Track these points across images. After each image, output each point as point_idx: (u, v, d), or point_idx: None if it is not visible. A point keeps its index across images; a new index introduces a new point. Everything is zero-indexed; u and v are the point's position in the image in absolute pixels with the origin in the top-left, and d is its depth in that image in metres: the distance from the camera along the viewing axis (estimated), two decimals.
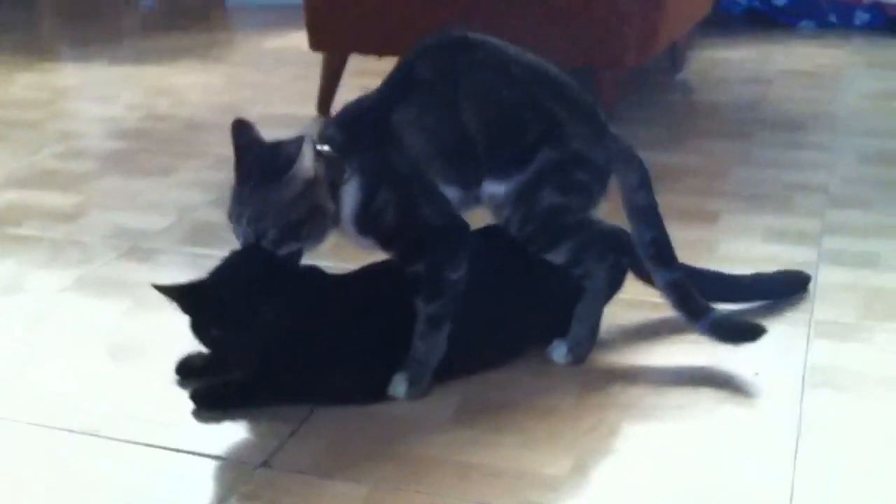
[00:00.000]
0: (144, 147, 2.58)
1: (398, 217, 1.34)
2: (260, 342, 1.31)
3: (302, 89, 2.99)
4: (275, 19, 4.21)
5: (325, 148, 1.32)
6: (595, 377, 1.42)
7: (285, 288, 1.32)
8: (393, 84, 1.38)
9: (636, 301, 1.57)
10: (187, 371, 1.44)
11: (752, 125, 2.67)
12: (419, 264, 1.35)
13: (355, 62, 2.80)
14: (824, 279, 1.70)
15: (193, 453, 1.26)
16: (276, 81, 3.29)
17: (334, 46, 2.76)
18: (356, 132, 1.35)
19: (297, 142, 1.29)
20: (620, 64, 2.51)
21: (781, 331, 1.51)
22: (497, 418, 1.33)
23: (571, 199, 1.39)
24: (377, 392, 1.37)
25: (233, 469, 1.23)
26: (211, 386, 1.39)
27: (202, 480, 1.22)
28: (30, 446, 1.29)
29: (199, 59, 3.58)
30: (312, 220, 1.30)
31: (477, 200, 1.39)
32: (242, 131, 1.36)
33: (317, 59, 2.81)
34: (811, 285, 1.66)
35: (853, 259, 1.78)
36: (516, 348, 1.47)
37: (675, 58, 3.22)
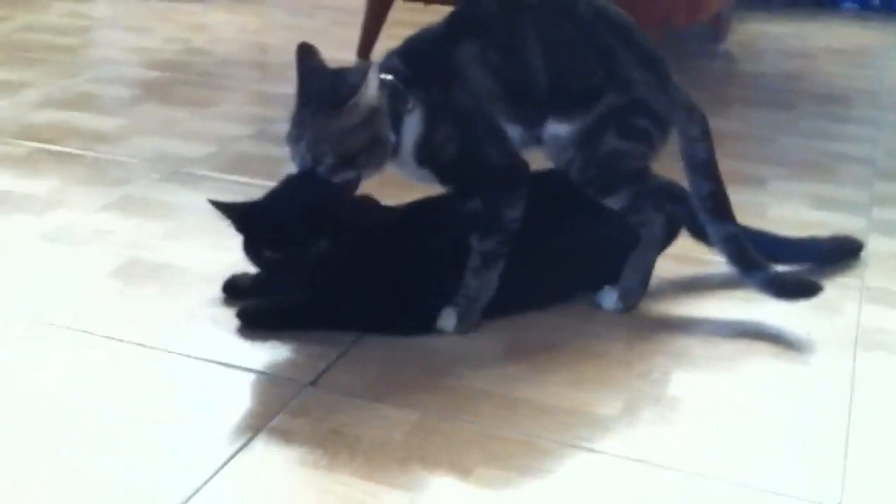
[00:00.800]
0: (182, 79, 2.56)
1: (459, 153, 1.32)
2: (311, 265, 1.30)
3: (341, 35, 2.96)
4: None
5: (389, 77, 1.30)
6: (645, 326, 1.41)
7: (339, 214, 1.30)
8: (457, 18, 1.35)
9: (686, 256, 1.55)
10: (234, 291, 1.43)
11: (794, 96, 2.65)
12: (476, 201, 1.34)
13: (397, 11, 2.77)
14: (874, 247, 1.68)
15: (242, 368, 1.26)
16: (315, 25, 3.26)
17: None
18: (420, 64, 1.33)
19: (362, 69, 1.26)
20: (669, 23, 2.48)
21: (833, 294, 1.49)
22: (547, 358, 1.32)
23: (634, 146, 1.37)
24: (423, 324, 1.36)
25: (281, 385, 1.23)
26: (258, 305, 1.38)
27: (251, 394, 1.21)
28: (84, 353, 1.28)
29: (233, 0, 3.55)
30: (371, 149, 1.28)
31: (538, 141, 1.36)
32: (307, 55, 1.33)
33: (356, 6, 2.77)
34: (862, 253, 1.64)
35: None
36: (565, 292, 1.46)
37: (718, 28, 3.19)
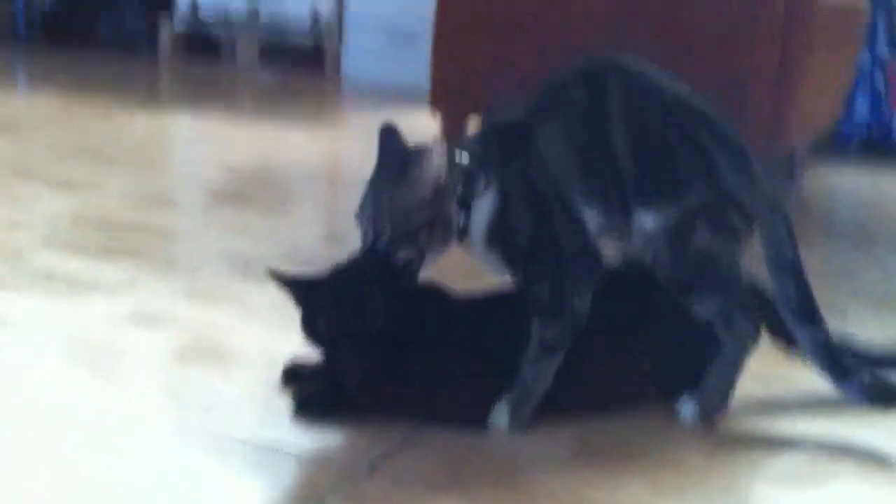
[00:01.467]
0: (257, 188, 2.59)
1: (531, 233, 1.28)
2: (367, 342, 1.26)
3: None
4: (385, 99, 4.27)
5: (463, 159, 1.28)
6: (726, 438, 1.33)
7: (399, 293, 1.27)
8: (541, 101, 1.33)
9: (767, 371, 1.48)
10: (294, 377, 1.38)
11: (873, 234, 2.58)
12: (544, 286, 1.28)
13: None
14: None
15: (289, 453, 1.20)
16: None
17: (455, 103, 2.76)
18: (498, 145, 1.31)
19: (427, 146, 1.25)
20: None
21: None
22: (620, 464, 1.24)
23: (724, 245, 1.31)
24: (481, 417, 1.30)
25: (334, 468, 1.17)
26: (314, 390, 1.33)
27: (296, 477, 1.15)
28: (122, 438, 1.25)
29: (311, 125, 3.64)
30: (434, 228, 1.26)
31: (619, 233, 1.30)
32: (388, 135, 1.33)
33: (427, 134, 2.81)
34: None
35: None
36: (630, 396, 1.39)
37: (792, 168, 3.17)
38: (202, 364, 1.44)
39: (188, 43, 5.02)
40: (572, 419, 1.33)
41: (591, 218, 1.29)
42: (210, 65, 5.00)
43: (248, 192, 2.54)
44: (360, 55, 4.63)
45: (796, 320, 1.33)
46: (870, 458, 1.30)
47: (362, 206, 1.29)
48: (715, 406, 1.36)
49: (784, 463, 1.28)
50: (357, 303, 1.25)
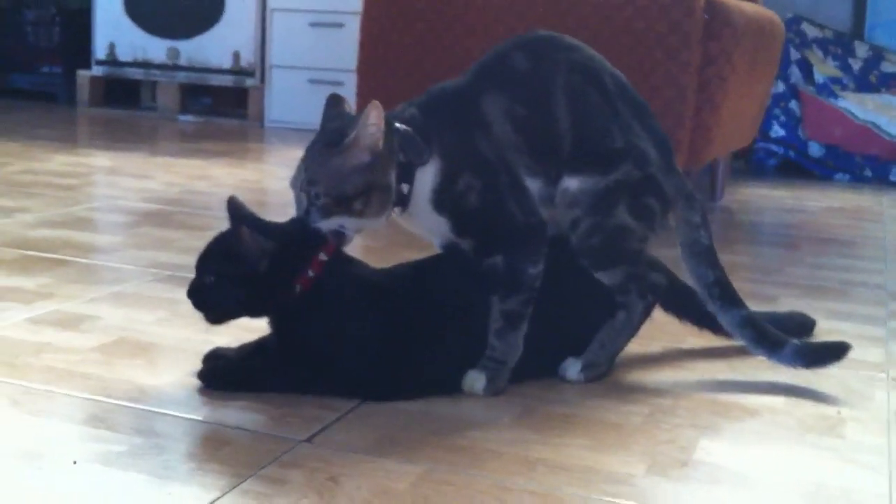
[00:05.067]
0: (181, 210, 2.54)
1: (482, 205, 1.27)
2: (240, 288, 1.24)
3: None
4: (308, 139, 4.24)
5: (403, 126, 1.27)
6: (666, 400, 1.32)
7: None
8: (485, 70, 1.33)
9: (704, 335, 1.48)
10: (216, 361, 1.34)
11: (799, 240, 2.63)
12: (497, 257, 1.28)
13: None
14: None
15: (229, 426, 1.16)
16: None
17: None
18: (441, 114, 1.29)
19: (365, 112, 1.22)
20: None
21: (861, 385, 1.42)
22: (563, 425, 1.22)
23: (639, 225, 1.33)
24: (425, 387, 1.28)
25: (273, 442, 1.12)
26: (220, 364, 1.30)
27: (237, 449, 1.11)
28: (66, 412, 1.19)
29: (235, 159, 3.59)
30: (369, 195, 1.23)
31: (552, 200, 1.32)
32: (332, 103, 1.31)
33: None
34: (883, 352, 1.58)
35: None
36: (552, 361, 1.38)
37: (714, 186, 3.22)
38: (129, 357, 1.39)
39: (106, 88, 4.95)
40: (513, 386, 1.31)
41: (534, 187, 1.30)
42: (130, 109, 4.93)
43: (171, 212, 2.49)
44: (283, 95, 4.61)
45: (718, 304, 1.37)
46: (811, 416, 1.30)
47: (295, 174, 1.26)
48: (599, 368, 1.37)
49: (725, 421, 1.27)
50: (235, 249, 1.24)
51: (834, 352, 1.36)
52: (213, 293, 1.24)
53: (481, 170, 1.26)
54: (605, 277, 1.34)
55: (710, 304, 1.38)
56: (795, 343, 1.36)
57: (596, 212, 1.30)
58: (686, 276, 1.42)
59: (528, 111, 1.29)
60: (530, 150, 1.29)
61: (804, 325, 1.62)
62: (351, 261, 1.30)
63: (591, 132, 1.31)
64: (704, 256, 1.38)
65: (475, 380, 1.27)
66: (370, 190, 1.22)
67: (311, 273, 1.24)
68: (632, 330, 1.39)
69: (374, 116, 1.21)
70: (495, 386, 1.28)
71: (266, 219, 1.30)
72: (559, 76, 1.30)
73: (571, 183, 1.30)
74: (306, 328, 1.25)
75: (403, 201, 1.26)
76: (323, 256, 1.25)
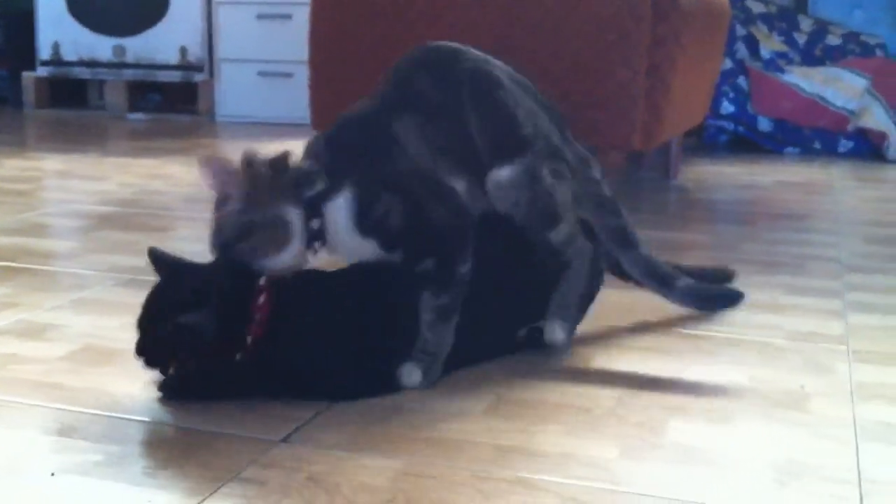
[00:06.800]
0: (139, 212, 2.52)
1: (406, 221, 1.30)
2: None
3: None
4: (260, 132, 4.23)
5: (304, 164, 1.31)
6: (633, 384, 1.34)
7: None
8: (391, 96, 1.37)
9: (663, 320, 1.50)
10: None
11: (754, 216, 2.67)
12: (428, 262, 1.31)
13: None
14: (854, 322, 1.65)
15: (204, 431, 1.16)
16: None
17: None
18: (353, 143, 1.33)
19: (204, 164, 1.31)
20: (628, 145, 2.51)
21: (822, 357, 1.46)
22: (534, 412, 1.24)
23: (561, 186, 1.41)
24: (374, 384, 1.28)
25: (249, 444, 1.13)
26: (179, 373, 1.28)
27: (215, 452, 1.11)
28: (35, 422, 1.18)
29: (188, 155, 3.56)
30: (248, 237, 1.26)
31: (484, 194, 1.37)
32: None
33: None
34: (842, 324, 1.61)
35: (882, 309, 1.74)
36: (512, 338, 1.43)
37: (668, 166, 3.25)
38: (97, 365, 1.38)
39: (53, 89, 4.88)
40: (484, 376, 1.33)
41: (460, 186, 1.35)
42: (78, 109, 4.87)
43: (129, 215, 2.47)
44: (233, 89, 4.58)
45: (618, 247, 1.47)
46: (776, 391, 1.33)
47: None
48: (576, 319, 1.45)
49: (693, 401, 1.29)
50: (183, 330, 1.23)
51: (726, 298, 1.48)
52: (172, 343, 1.23)
53: (399, 187, 1.31)
54: (556, 236, 1.40)
55: (613, 250, 1.48)
56: (689, 282, 1.46)
57: (530, 185, 1.38)
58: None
59: (439, 128, 1.34)
60: (447, 156, 1.34)
61: (723, 274, 1.72)
62: (294, 279, 1.30)
63: (503, 129, 1.37)
64: (607, 207, 1.47)
65: (410, 373, 1.30)
66: (250, 231, 1.26)
67: (257, 317, 1.24)
68: (581, 279, 1.44)
69: (210, 168, 1.29)
70: (430, 378, 1.31)
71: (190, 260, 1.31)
72: (463, 88, 1.36)
73: (502, 173, 1.36)
74: (271, 354, 1.25)
75: (319, 236, 1.30)
76: (262, 299, 1.25)
